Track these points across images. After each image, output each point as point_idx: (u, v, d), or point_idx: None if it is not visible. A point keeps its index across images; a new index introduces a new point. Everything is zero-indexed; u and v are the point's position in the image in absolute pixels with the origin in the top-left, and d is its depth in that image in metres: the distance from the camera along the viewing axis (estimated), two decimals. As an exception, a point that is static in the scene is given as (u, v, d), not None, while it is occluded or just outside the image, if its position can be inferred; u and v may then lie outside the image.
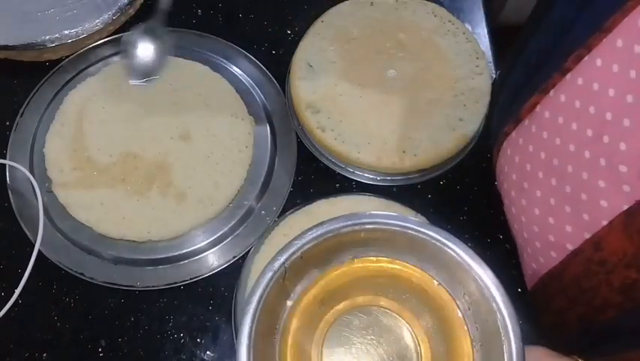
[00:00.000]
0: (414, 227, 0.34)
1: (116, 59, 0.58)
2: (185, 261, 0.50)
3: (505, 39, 0.58)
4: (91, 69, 0.57)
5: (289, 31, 0.61)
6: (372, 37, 0.57)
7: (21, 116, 0.55)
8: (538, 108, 0.38)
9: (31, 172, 0.52)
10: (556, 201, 0.37)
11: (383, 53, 0.56)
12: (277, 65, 0.58)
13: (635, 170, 0.30)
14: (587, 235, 0.34)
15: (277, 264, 0.33)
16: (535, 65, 0.39)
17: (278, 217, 0.51)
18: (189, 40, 0.59)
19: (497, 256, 0.50)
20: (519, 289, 0.48)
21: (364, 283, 0.38)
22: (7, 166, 0.53)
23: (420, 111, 0.53)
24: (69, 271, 0.49)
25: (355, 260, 0.37)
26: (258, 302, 0.32)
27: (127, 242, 0.50)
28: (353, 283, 0.38)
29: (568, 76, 0.35)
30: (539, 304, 0.43)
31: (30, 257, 0.48)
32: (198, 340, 0.48)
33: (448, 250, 0.34)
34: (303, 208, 0.50)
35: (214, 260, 0.50)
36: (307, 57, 0.56)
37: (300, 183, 0.53)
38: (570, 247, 0.36)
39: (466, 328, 0.35)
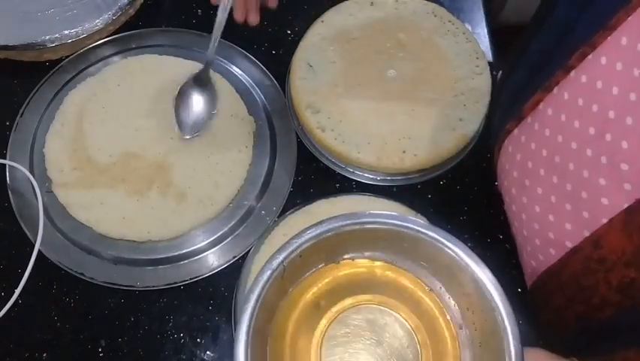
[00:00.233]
0: (413, 227, 0.34)
1: (116, 58, 0.58)
2: (185, 261, 0.50)
3: (505, 39, 0.58)
4: (91, 69, 0.57)
5: (289, 31, 0.61)
6: (372, 37, 0.57)
7: (21, 116, 0.55)
8: (541, 106, 0.38)
9: (31, 172, 0.52)
10: (557, 199, 0.37)
11: (383, 53, 0.56)
12: (277, 65, 0.58)
13: (637, 168, 0.30)
14: (587, 233, 0.34)
15: (276, 263, 0.33)
16: (538, 63, 0.39)
17: (278, 217, 0.51)
18: (189, 41, 0.59)
19: (497, 256, 0.50)
20: (519, 289, 0.48)
21: (363, 283, 0.38)
22: (7, 166, 0.53)
23: (420, 111, 0.53)
24: (69, 271, 0.49)
25: (353, 260, 0.37)
26: (257, 301, 0.32)
27: (127, 242, 0.50)
28: (352, 282, 0.38)
29: (572, 74, 0.35)
30: (538, 303, 0.43)
31: (30, 257, 0.48)
32: (198, 340, 0.48)
33: (448, 251, 0.34)
34: (303, 208, 0.50)
35: (214, 260, 0.50)
36: (307, 57, 0.55)
37: (300, 183, 0.53)
38: (569, 245, 0.36)
39: (465, 329, 0.35)
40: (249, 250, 0.49)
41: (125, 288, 0.49)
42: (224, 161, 0.53)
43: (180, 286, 0.49)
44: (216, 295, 0.49)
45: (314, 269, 0.37)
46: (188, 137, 0.53)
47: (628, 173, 0.30)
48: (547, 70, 0.37)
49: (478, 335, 0.34)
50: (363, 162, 0.52)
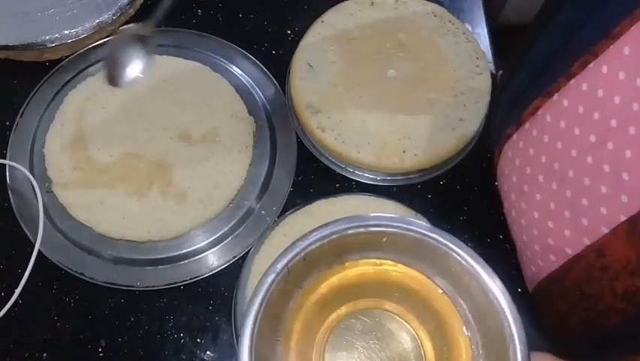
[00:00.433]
0: (419, 230, 0.34)
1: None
2: (185, 261, 0.50)
3: (505, 39, 0.58)
4: (91, 69, 0.57)
5: (289, 31, 0.61)
6: (372, 37, 0.57)
7: (21, 116, 0.55)
8: (540, 112, 0.38)
9: (31, 172, 0.52)
10: (556, 205, 0.36)
11: (383, 53, 0.56)
12: (277, 65, 0.58)
13: (637, 180, 0.30)
14: (586, 240, 0.34)
15: (280, 266, 0.33)
16: (540, 67, 0.39)
17: (278, 217, 0.51)
18: (189, 41, 0.59)
19: (497, 256, 0.49)
20: (519, 289, 0.48)
21: (367, 286, 0.38)
22: (7, 166, 0.53)
23: (420, 111, 0.53)
24: (69, 271, 0.49)
25: (358, 262, 0.37)
26: (260, 305, 0.32)
27: (127, 242, 0.50)
28: (356, 286, 0.37)
29: (572, 81, 0.34)
30: (541, 307, 0.43)
31: (30, 257, 0.48)
32: (198, 340, 0.48)
33: (453, 254, 0.33)
34: (303, 208, 0.50)
35: (214, 260, 0.50)
36: (307, 57, 0.56)
37: (300, 183, 0.53)
38: (569, 252, 0.36)
39: (466, 333, 0.35)
40: (249, 250, 0.49)
41: (125, 288, 0.49)
42: (224, 161, 0.53)
43: (180, 286, 0.49)
44: (216, 295, 0.49)
45: (318, 272, 0.36)
46: (113, 88, 0.51)
47: (628, 184, 0.30)
48: (549, 75, 0.37)
49: (482, 339, 0.34)
50: (363, 162, 0.52)
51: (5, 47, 0.56)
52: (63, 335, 0.48)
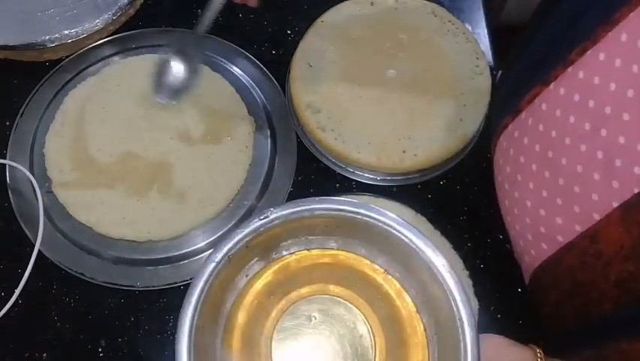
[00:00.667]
0: (364, 212, 0.33)
1: (116, 58, 0.58)
2: (185, 261, 0.50)
3: (505, 39, 0.58)
4: (91, 69, 0.57)
5: (289, 31, 0.61)
6: (372, 37, 0.57)
7: (21, 116, 0.55)
8: (536, 100, 0.38)
9: (31, 172, 0.52)
10: (548, 194, 0.37)
11: (383, 53, 0.56)
12: (277, 65, 0.58)
13: (628, 165, 0.30)
14: (579, 228, 0.34)
15: (219, 255, 0.32)
16: (540, 56, 0.39)
17: (278, 217, 0.51)
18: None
19: (497, 256, 0.50)
20: (519, 290, 0.48)
21: (315, 273, 0.37)
22: (7, 166, 0.53)
23: (420, 111, 0.53)
24: (69, 271, 0.49)
25: (305, 250, 0.36)
26: (199, 296, 0.31)
27: (127, 242, 0.50)
28: (304, 272, 0.37)
29: (569, 69, 0.35)
30: (537, 298, 0.43)
31: (30, 257, 0.48)
32: (198, 340, 0.48)
33: (401, 236, 0.33)
34: (303, 208, 0.50)
35: (214, 260, 0.50)
36: (307, 57, 0.56)
37: (300, 183, 0.53)
38: (561, 239, 0.36)
39: (419, 317, 0.35)
40: (249, 250, 0.49)
41: (125, 288, 0.49)
42: (224, 161, 0.53)
43: (180, 286, 0.49)
44: (216, 295, 0.49)
45: (263, 260, 0.36)
46: (161, 101, 0.53)
47: (620, 170, 0.31)
48: (548, 63, 0.37)
49: (434, 322, 0.34)
50: (363, 162, 0.52)
51: (5, 47, 0.56)
52: (63, 335, 0.48)
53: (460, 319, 0.31)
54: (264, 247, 0.35)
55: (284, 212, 0.33)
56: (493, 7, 0.61)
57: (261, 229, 0.33)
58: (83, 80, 0.56)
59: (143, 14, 0.61)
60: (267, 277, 0.36)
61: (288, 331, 0.36)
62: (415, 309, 0.35)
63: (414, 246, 0.32)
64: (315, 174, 0.54)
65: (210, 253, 0.32)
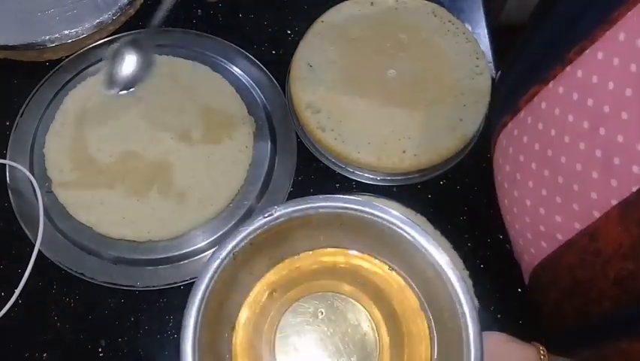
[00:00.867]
0: (368, 210, 0.33)
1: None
2: (185, 261, 0.50)
3: (505, 39, 0.58)
4: (91, 69, 0.57)
5: (289, 31, 0.61)
6: (372, 37, 0.57)
7: (21, 116, 0.55)
8: (535, 99, 0.38)
9: (31, 172, 0.52)
10: (548, 192, 0.37)
11: (383, 53, 0.56)
12: (277, 65, 0.58)
13: (626, 164, 0.30)
14: (578, 226, 0.35)
15: (224, 252, 0.32)
16: (538, 56, 0.39)
17: (278, 217, 0.51)
18: (189, 41, 0.59)
19: (497, 256, 0.50)
20: (519, 290, 0.48)
21: (319, 270, 0.37)
22: (7, 166, 0.53)
23: (420, 111, 0.53)
24: (69, 271, 0.49)
25: (309, 247, 0.36)
26: (204, 293, 0.31)
27: (127, 242, 0.50)
28: (307, 270, 0.37)
29: (568, 68, 0.35)
30: (537, 298, 0.43)
31: (30, 257, 0.48)
32: (198, 340, 0.48)
33: (405, 234, 0.33)
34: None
35: (214, 260, 0.50)
36: (307, 57, 0.56)
37: (300, 183, 0.53)
38: (560, 237, 0.36)
39: (422, 314, 0.35)
40: (249, 250, 0.49)
41: (125, 288, 0.49)
42: (224, 161, 0.53)
43: (180, 286, 0.49)
44: (216, 295, 0.49)
45: (268, 257, 0.36)
46: (111, 92, 0.52)
47: (618, 168, 0.31)
48: (547, 63, 0.37)
49: (437, 318, 0.34)
50: (363, 162, 0.52)
51: (5, 47, 0.56)
52: (63, 335, 0.48)
53: (463, 315, 0.31)
54: (269, 244, 0.35)
55: (288, 210, 0.33)
56: (493, 7, 0.61)
57: (266, 226, 0.33)
58: (83, 80, 0.56)
59: (143, 14, 0.61)
60: (271, 274, 0.36)
61: (292, 328, 0.36)
62: (418, 306, 0.35)
63: (417, 243, 0.32)
64: (315, 174, 0.54)
65: (215, 251, 0.32)
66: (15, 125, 0.55)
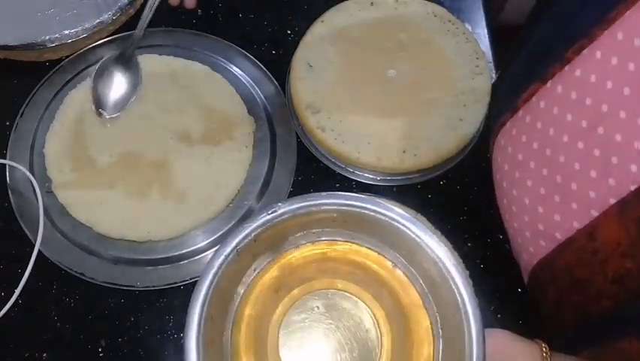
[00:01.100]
0: (372, 207, 0.33)
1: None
2: (185, 261, 0.50)
3: (505, 39, 0.57)
4: (91, 69, 0.57)
5: (289, 31, 0.61)
6: (372, 37, 0.57)
7: (21, 116, 0.55)
8: (534, 98, 0.38)
9: (31, 172, 0.52)
10: (546, 191, 0.37)
11: (383, 53, 0.56)
12: (277, 65, 0.58)
13: (624, 163, 0.30)
14: (577, 225, 0.35)
15: (228, 249, 0.32)
16: (537, 55, 0.39)
17: (278, 217, 0.51)
18: (189, 41, 0.59)
19: (497, 256, 0.50)
20: (519, 290, 0.48)
21: (322, 267, 0.37)
22: (7, 166, 0.53)
23: (420, 111, 0.53)
24: (69, 271, 0.49)
25: (312, 244, 0.36)
26: (208, 289, 0.31)
27: (127, 242, 0.50)
28: (310, 267, 0.37)
29: (566, 67, 0.35)
30: (536, 297, 0.43)
31: (30, 257, 0.48)
32: (198, 340, 0.48)
33: (407, 231, 0.33)
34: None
35: (214, 260, 0.50)
36: (307, 57, 0.56)
37: (300, 183, 0.53)
38: (559, 236, 0.36)
39: (425, 311, 0.35)
40: (249, 250, 0.49)
41: (125, 288, 0.49)
42: (224, 161, 0.53)
43: (180, 286, 0.49)
44: (216, 295, 0.49)
45: (271, 254, 0.36)
46: (108, 116, 0.53)
47: (616, 167, 0.31)
48: (545, 61, 0.37)
49: (440, 316, 0.34)
50: (363, 162, 0.52)
51: (5, 47, 0.56)
52: (63, 335, 0.48)
53: (466, 313, 0.31)
54: (272, 241, 0.35)
55: (292, 206, 0.33)
56: (493, 7, 0.61)
57: (269, 223, 0.33)
58: (83, 80, 0.56)
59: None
60: (275, 271, 0.36)
61: (295, 325, 0.36)
62: (420, 303, 0.35)
63: (420, 240, 0.32)
64: (315, 174, 0.54)
65: (219, 247, 0.32)
66: (15, 125, 0.55)
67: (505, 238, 0.50)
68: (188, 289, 0.49)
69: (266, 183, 0.53)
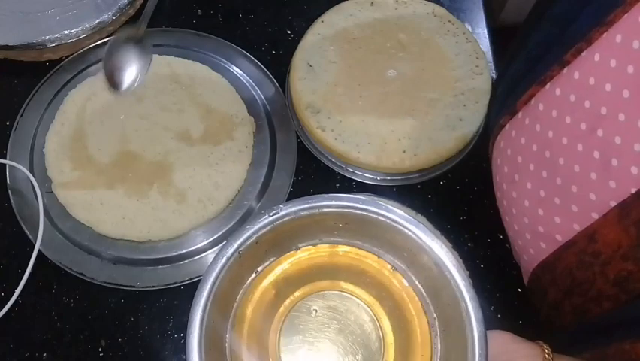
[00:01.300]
0: (373, 209, 0.33)
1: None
2: (185, 261, 0.50)
3: (505, 39, 0.57)
4: (91, 69, 0.57)
5: (289, 31, 0.61)
6: (372, 37, 0.57)
7: (21, 116, 0.55)
8: (533, 101, 0.38)
9: (31, 172, 0.52)
10: (546, 193, 0.37)
11: (383, 53, 0.56)
12: (277, 65, 0.58)
13: (624, 165, 0.30)
14: (577, 227, 0.35)
15: (230, 250, 0.32)
16: (535, 57, 0.39)
17: (278, 217, 0.51)
18: (189, 41, 0.59)
19: (497, 256, 0.50)
20: (519, 290, 0.48)
21: (323, 269, 0.37)
22: (7, 166, 0.53)
23: (420, 111, 0.53)
24: (69, 271, 0.49)
25: (313, 245, 0.36)
26: (210, 290, 0.31)
27: (127, 242, 0.50)
28: (312, 268, 0.37)
29: (565, 70, 0.35)
30: (536, 298, 0.43)
31: (30, 257, 0.48)
32: (198, 340, 0.48)
33: (410, 234, 0.33)
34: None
35: (214, 260, 0.50)
36: (307, 57, 0.56)
37: (300, 183, 0.53)
38: (559, 238, 0.36)
39: (426, 313, 0.35)
40: (249, 250, 0.49)
41: (125, 288, 0.49)
42: (224, 161, 0.53)
43: (180, 286, 0.49)
44: (216, 295, 0.49)
45: (273, 256, 0.36)
46: (123, 91, 0.54)
47: (616, 170, 0.31)
48: (544, 64, 0.37)
49: (441, 317, 0.34)
50: (363, 162, 0.52)
51: (5, 47, 0.56)
52: (63, 335, 0.48)
53: (468, 314, 0.31)
54: (274, 243, 0.35)
55: (294, 208, 0.33)
56: (493, 7, 0.61)
57: (271, 225, 0.33)
58: (83, 80, 0.56)
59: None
60: (276, 273, 0.36)
61: (297, 326, 0.36)
62: (421, 305, 0.35)
63: (421, 242, 0.32)
64: (315, 174, 0.54)
65: (221, 248, 0.32)
66: (15, 125, 0.55)
67: (505, 239, 0.50)
68: (189, 289, 0.49)
69: (266, 183, 0.53)
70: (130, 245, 0.50)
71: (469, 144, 0.54)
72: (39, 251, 0.49)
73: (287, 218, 0.33)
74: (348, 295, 0.37)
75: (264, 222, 0.33)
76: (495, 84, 0.53)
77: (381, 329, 0.36)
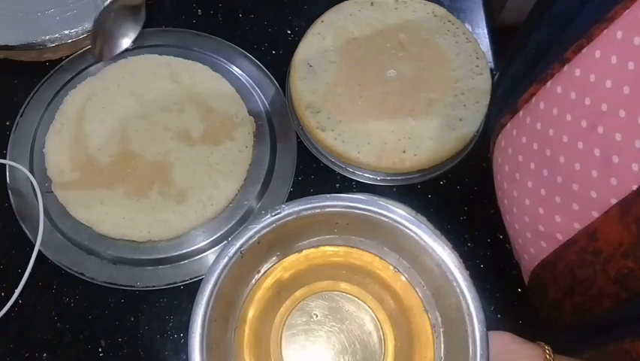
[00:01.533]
0: (375, 210, 0.33)
1: (116, 58, 0.58)
2: (185, 261, 0.50)
3: (505, 39, 0.58)
4: (91, 69, 0.57)
5: (289, 31, 0.61)
6: (372, 37, 0.57)
7: (21, 116, 0.55)
8: (533, 99, 0.38)
9: (31, 172, 0.52)
10: (547, 192, 0.37)
11: (383, 53, 0.56)
12: (277, 65, 0.58)
13: (625, 162, 0.30)
14: (578, 225, 0.35)
15: (232, 250, 0.32)
16: (536, 56, 0.39)
17: (278, 217, 0.51)
18: (189, 41, 0.59)
19: (497, 256, 0.50)
20: (519, 290, 0.48)
21: (325, 270, 0.37)
22: (7, 166, 0.53)
23: (420, 111, 0.53)
24: (69, 271, 0.49)
25: (315, 246, 0.36)
26: (212, 290, 0.31)
27: (127, 242, 0.50)
28: (313, 269, 0.37)
29: (566, 67, 0.35)
30: (536, 297, 0.43)
31: (30, 257, 0.48)
32: (198, 340, 0.48)
33: (411, 234, 0.33)
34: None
35: (214, 260, 0.50)
36: (307, 57, 0.56)
37: (300, 183, 0.53)
38: (560, 237, 0.36)
39: (428, 314, 0.35)
40: (249, 250, 0.49)
41: (125, 288, 0.49)
42: (224, 161, 0.53)
43: (180, 286, 0.49)
44: (216, 295, 0.49)
45: (275, 256, 0.36)
46: (104, 60, 0.54)
47: (617, 167, 0.31)
48: (545, 62, 0.37)
49: (443, 318, 0.34)
50: (363, 162, 0.52)
51: (5, 47, 0.56)
52: (63, 335, 0.48)
53: (470, 315, 0.31)
54: (276, 243, 0.35)
55: (296, 208, 0.33)
56: (493, 7, 0.61)
57: (273, 225, 0.33)
58: (83, 80, 0.56)
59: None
60: (278, 273, 0.36)
61: (298, 327, 0.36)
62: (423, 306, 0.35)
63: (423, 242, 0.32)
64: (315, 174, 0.54)
65: (223, 248, 0.32)
66: (15, 125, 0.55)
67: (506, 238, 0.50)
68: (189, 289, 0.49)
69: (266, 183, 0.53)
70: (130, 245, 0.50)
71: (469, 143, 0.54)
72: (39, 251, 0.49)
73: (289, 218, 0.33)
74: (350, 296, 0.37)
75: (266, 222, 0.33)
76: (495, 84, 0.53)
77: (382, 330, 0.36)
